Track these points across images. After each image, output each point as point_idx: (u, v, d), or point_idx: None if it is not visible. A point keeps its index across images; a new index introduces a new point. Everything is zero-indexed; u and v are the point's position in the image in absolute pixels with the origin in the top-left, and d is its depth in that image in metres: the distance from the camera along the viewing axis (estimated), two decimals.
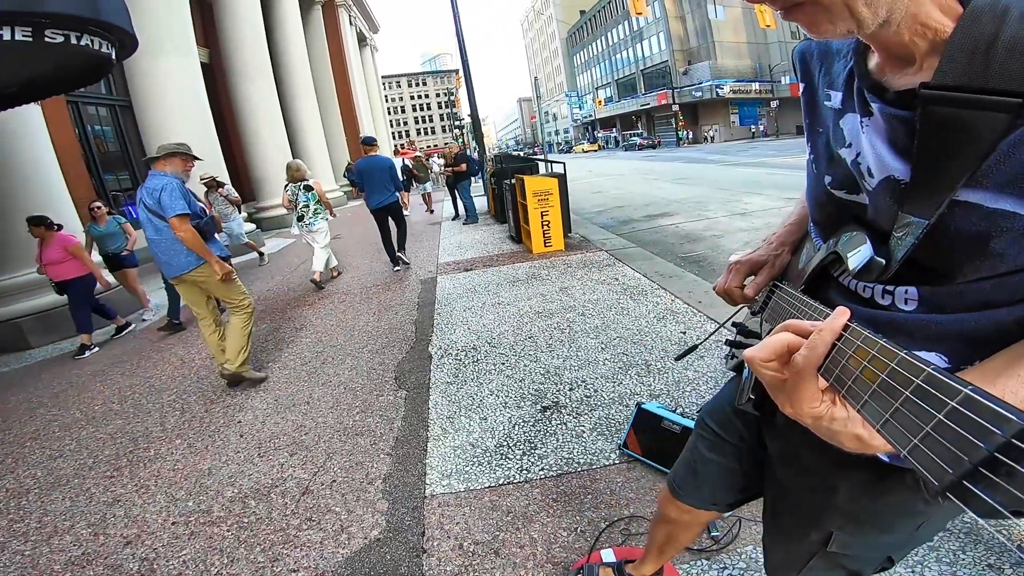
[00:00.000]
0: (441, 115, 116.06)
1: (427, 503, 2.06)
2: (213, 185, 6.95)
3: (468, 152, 12.49)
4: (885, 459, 0.65)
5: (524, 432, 2.47)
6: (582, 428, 2.43)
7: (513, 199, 7.10)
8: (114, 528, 2.18)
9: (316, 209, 6.17)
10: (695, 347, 1.29)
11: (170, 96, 8.91)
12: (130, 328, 5.55)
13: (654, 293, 4.25)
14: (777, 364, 0.49)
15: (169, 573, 1.87)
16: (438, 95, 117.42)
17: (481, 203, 11.11)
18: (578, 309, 4.10)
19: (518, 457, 2.28)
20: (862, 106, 0.61)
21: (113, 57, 4.07)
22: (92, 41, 3.69)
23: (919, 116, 0.50)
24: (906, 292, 0.59)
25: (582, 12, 67.52)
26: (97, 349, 4.98)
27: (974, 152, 0.47)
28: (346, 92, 22.82)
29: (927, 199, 0.52)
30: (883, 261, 0.58)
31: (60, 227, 4.85)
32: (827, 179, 0.70)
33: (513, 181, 7.09)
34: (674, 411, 2.09)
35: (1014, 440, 0.29)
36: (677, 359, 1.50)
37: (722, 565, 1.58)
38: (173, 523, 2.15)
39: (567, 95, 77.32)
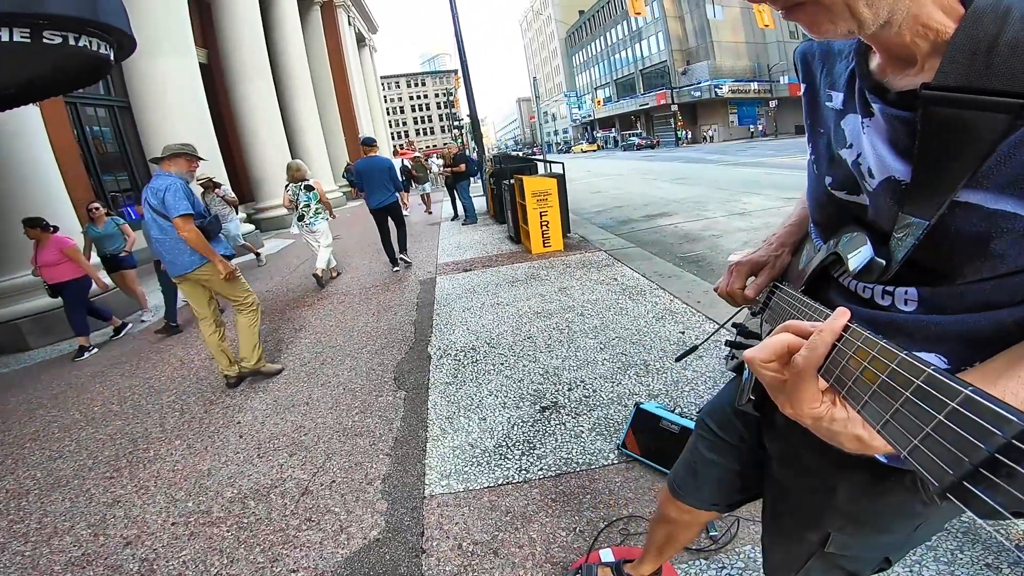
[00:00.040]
0: (440, 115, 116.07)
1: (426, 503, 2.06)
2: (210, 186, 6.95)
3: (467, 152, 12.49)
4: (883, 460, 0.65)
5: (523, 432, 2.48)
6: (581, 428, 2.44)
7: (512, 199, 7.10)
8: (114, 529, 2.18)
9: (317, 209, 6.20)
10: (695, 348, 1.29)
11: (169, 97, 8.91)
12: (128, 328, 5.55)
13: (653, 293, 4.26)
14: (777, 365, 0.49)
15: (169, 573, 1.88)
16: (437, 95, 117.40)
17: (480, 203, 11.11)
18: (577, 309, 4.10)
19: (517, 457, 2.28)
20: (863, 107, 0.61)
21: (111, 58, 4.07)
22: (90, 42, 3.69)
23: (920, 117, 0.50)
24: (906, 293, 0.59)
25: (581, 12, 67.58)
26: (96, 351, 4.98)
27: (975, 153, 0.47)
28: (345, 92, 22.82)
29: (928, 200, 0.52)
30: (883, 262, 0.59)
31: (56, 229, 4.83)
32: (828, 180, 0.70)
33: (512, 181, 7.09)
34: (672, 411, 2.09)
35: (1014, 441, 0.29)
36: (677, 360, 1.50)
37: (720, 565, 1.59)
38: (173, 524, 2.15)
39: (566, 95, 77.40)
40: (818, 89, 0.73)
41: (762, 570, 1.00)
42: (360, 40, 30.90)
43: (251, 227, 10.57)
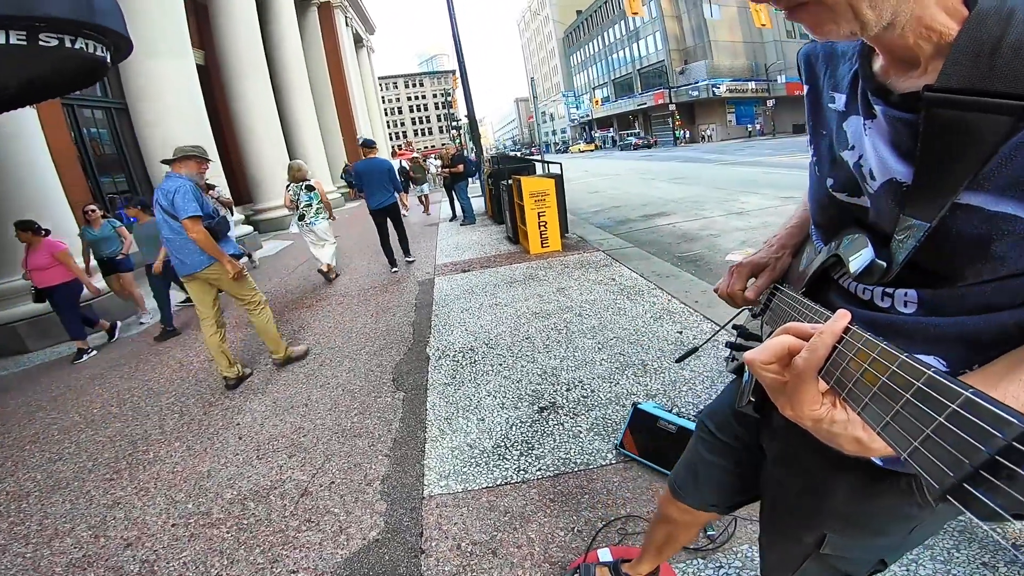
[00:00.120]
0: (438, 116, 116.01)
1: (425, 504, 2.07)
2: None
3: (465, 153, 12.50)
4: (879, 463, 0.65)
5: (521, 433, 2.49)
6: (579, 428, 2.45)
7: (510, 200, 7.11)
8: (114, 530, 2.19)
9: (318, 208, 6.29)
10: (695, 349, 1.30)
11: (166, 98, 8.91)
12: (119, 326, 5.53)
13: (651, 293, 4.27)
14: (777, 367, 0.49)
15: (169, 575, 1.88)
16: (435, 96, 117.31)
17: (478, 204, 11.12)
18: (575, 309, 4.11)
19: (515, 458, 2.29)
20: (866, 108, 0.61)
21: (108, 60, 4.07)
22: (87, 44, 3.69)
23: (922, 119, 0.50)
24: (906, 295, 0.59)
25: (578, 12, 67.56)
26: (95, 353, 4.98)
27: (976, 155, 0.47)
28: (343, 93, 22.82)
29: (929, 202, 0.52)
30: (884, 264, 0.59)
31: (47, 232, 4.79)
32: (829, 181, 0.70)
33: (510, 182, 7.10)
34: (670, 411, 2.10)
35: (1015, 443, 0.29)
36: (677, 361, 1.51)
37: (718, 564, 1.60)
38: (173, 525, 2.16)
39: (564, 95, 77.36)
40: (821, 91, 0.73)
41: (759, 570, 1.00)
42: (358, 41, 30.88)
43: (249, 229, 10.55)
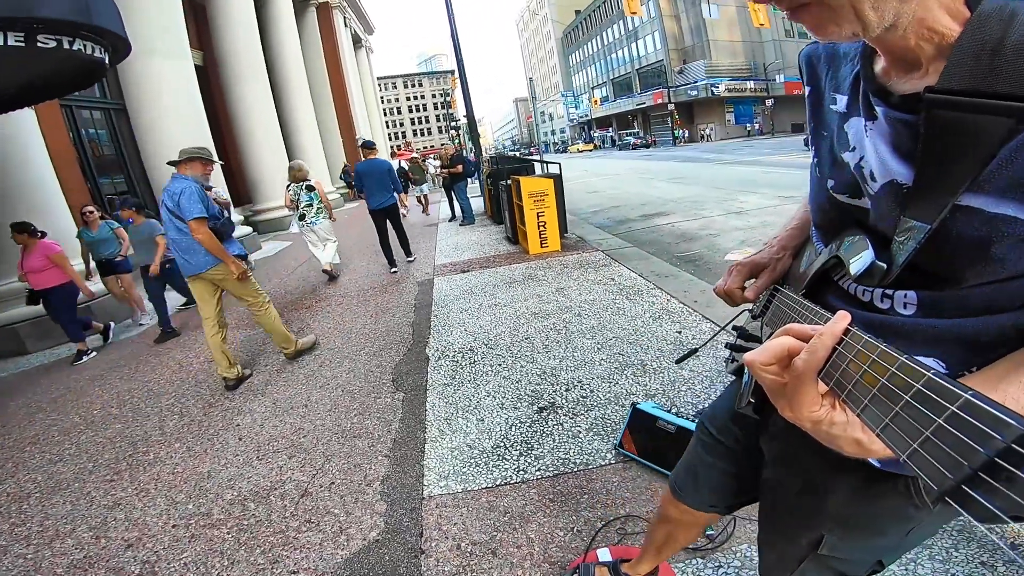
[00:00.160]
0: (437, 116, 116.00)
1: (425, 504, 2.08)
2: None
3: (464, 153, 12.50)
4: (877, 464, 0.65)
5: (521, 433, 2.49)
6: (578, 428, 2.46)
7: (509, 200, 7.12)
8: (115, 531, 2.19)
9: (319, 208, 6.37)
10: (695, 351, 1.30)
11: (164, 98, 8.91)
12: (113, 327, 5.51)
13: (650, 293, 4.28)
14: (777, 368, 0.49)
15: (170, 575, 1.89)
16: (434, 96, 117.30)
17: (478, 204, 11.12)
18: (574, 310, 4.12)
19: (515, 458, 2.30)
20: (867, 110, 0.61)
21: (106, 61, 4.07)
22: (84, 46, 3.70)
23: (923, 120, 0.50)
24: (905, 296, 0.59)
25: (577, 12, 67.57)
26: (95, 354, 4.98)
27: (977, 156, 0.47)
28: (342, 94, 22.81)
29: (930, 203, 0.52)
30: (884, 265, 0.59)
31: (44, 234, 4.77)
32: (830, 183, 0.70)
33: (509, 182, 7.11)
34: (669, 411, 2.11)
35: (1014, 445, 0.29)
36: (677, 362, 1.51)
37: (717, 563, 1.60)
38: (173, 526, 2.17)
39: (563, 95, 77.35)
40: (823, 92, 0.73)
41: (758, 570, 1.00)
42: (356, 41, 30.87)
43: (248, 229, 10.55)
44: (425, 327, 4.24)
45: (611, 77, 61.75)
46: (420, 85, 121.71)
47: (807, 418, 0.47)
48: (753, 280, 0.92)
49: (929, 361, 0.57)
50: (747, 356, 0.51)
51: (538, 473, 2.17)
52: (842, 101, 0.67)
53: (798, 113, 44.60)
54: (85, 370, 4.58)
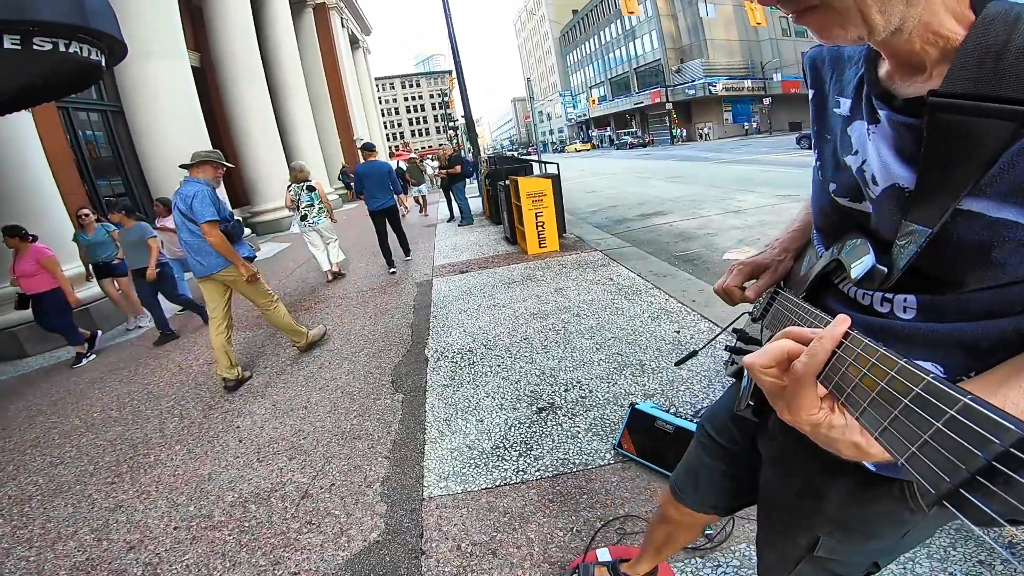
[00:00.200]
0: (435, 116, 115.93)
1: (425, 505, 2.09)
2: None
3: (462, 153, 12.50)
4: (872, 468, 0.65)
5: (520, 433, 2.50)
6: (577, 429, 2.47)
7: (508, 200, 7.13)
8: (117, 533, 2.20)
9: (320, 208, 6.48)
10: (695, 353, 1.31)
11: (161, 100, 8.92)
12: (99, 337, 5.46)
13: (648, 292, 4.29)
14: (777, 371, 0.49)
15: None
16: (432, 96, 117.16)
17: (476, 204, 11.13)
18: (573, 310, 4.13)
19: (514, 458, 2.31)
20: (870, 113, 0.61)
21: (103, 64, 4.08)
22: (81, 48, 3.70)
23: (926, 124, 0.50)
24: (905, 300, 0.59)
25: (574, 12, 67.56)
26: (94, 357, 4.98)
27: (979, 160, 0.47)
28: (339, 94, 22.79)
29: (931, 207, 0.52)
30: (885, 269, 0.59)
31: (35, 238, 4.73)
32: (832, 187, 0.70)
33: (507, 182, 7.12)
34: (667, 411, 2.12)
35: (1012, 450, 0.29)
36: (677, 364, 1.51)
37: (716, 563, 1.61)
38: (175, 528, 2.17)
39: (561, 94, 77.36)
40: (827, 95, 0.73)
41: (756, 570, 1.01)
42: (354, 42, 30.85)
43: (246, 231, 10.52)
44: (424, 328, 4.25)
45: (609, 76, 61.75)
46: (418, 86, 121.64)
47: (806, 421, 0.47)
48: (754, 281, 0.93)
49: (928, 365, 0.57)
50: (747, 359, 0.51)
51: (537, 474, 2.18)
52: (846, 104, 0.67)
53: (795, 112, 44.70)
54: (85, 373, 4.58)
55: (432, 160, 18.27)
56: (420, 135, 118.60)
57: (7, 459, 3.07)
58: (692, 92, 47.43)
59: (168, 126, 8.92)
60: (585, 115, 71.09)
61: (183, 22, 9.66)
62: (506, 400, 2.86)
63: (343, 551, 1.90)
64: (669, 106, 49.19)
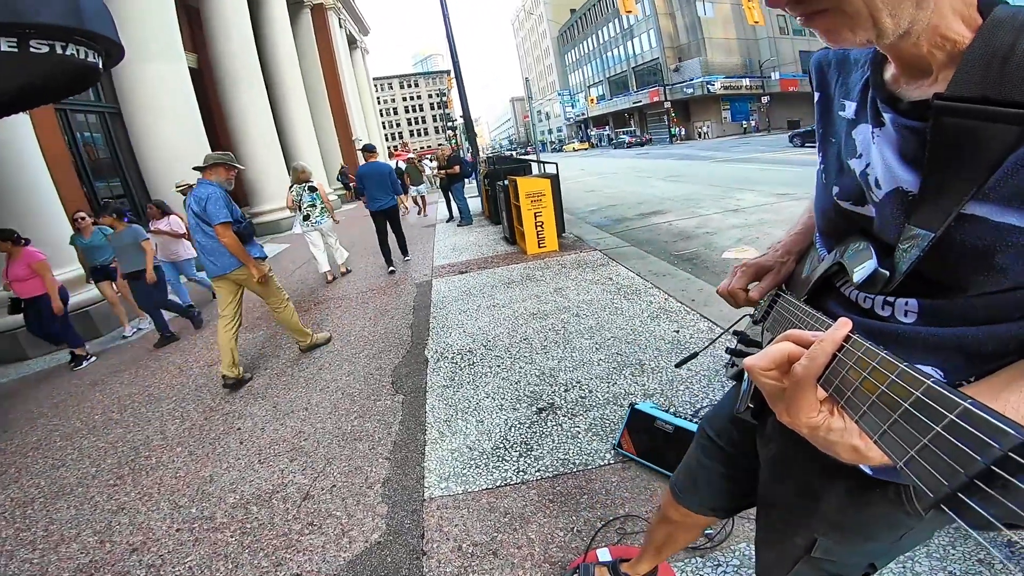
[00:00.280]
0: (434, 116, 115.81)
1: (426, 506, 2.10)
2: (187, 192, 6.96)
3: (461, 153, 12.50)
4: (868, 472, 0.65)
5: (520, 434, 2.51)
6: (577, 429, 2.48)
7: (507, 200, 7.14)
8: (120, 536, 2.21)
9: (322, 208, 6.61)
10: (695, 354, 1.31)
11: (159, 101, 8.92)
12: (87, 344, 5.41)
13: (648, 292, 4.30)
14: (777, 373, 0.49)
15: None
16: (430, 96, 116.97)
17: (475, 204, 11.13)
18: (572, 310, 4.14)
19: (515, 459, 2.32)
20: (875, 116, 0.61)
21: (100, 66, 4.08)
22: (78, 51, 3.71)
23: (931, 127, 0.50)
24: (906, 304, 0.59)
25: (572, 11, 67.51)
26: (95, 359, 4.98)
27: (983, 164, 0.47)
28: (337, 95, 22.75)
29: (935, 211, 0.52)
30: (887, 273, 0.58)
31: (27, 241, 4.69)
32: (835, 189, 0.69)
33: (506, 182, 7.13)
34: (667, 411, 2.13)
35: (1011, 454, 0.29)
36: (677, 365, 1.51)
37: (716, 562, 1.62)
38: (177, 530, 2.18)
39: (559, 94, 77.24)
40: (832, 98, 0.73)
41: (755, 570, 1.02)
42: (352, 42, 30.80)
43: None
44: (424, 329, 4.26)
45: (607, 76, 61.73)
46: (416, 85, 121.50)
47: (805, 424, 0.47)
48: (757, 283, 0.93)
49: (928, 370, 0.56)
50: (747, 361, 0.51)
51: (538, 474, 2.19)
52: (851, 107, 0.67)
53: (794, 110, 44.71)
54: (85, 375, 4.58)
55: (431, 160, 18.29)
56: (419, 135, 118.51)
57: (9, 461, 3.08)
58: (690, 91, 47.42)
59: (166, 127, 8.92)
60: (584, 114, 71.04)
61: (180, 23, 9.66)
62: (506, 400, 2.87)
63: (345, 552, 1.91)
64: (667, 105, 49.17)
